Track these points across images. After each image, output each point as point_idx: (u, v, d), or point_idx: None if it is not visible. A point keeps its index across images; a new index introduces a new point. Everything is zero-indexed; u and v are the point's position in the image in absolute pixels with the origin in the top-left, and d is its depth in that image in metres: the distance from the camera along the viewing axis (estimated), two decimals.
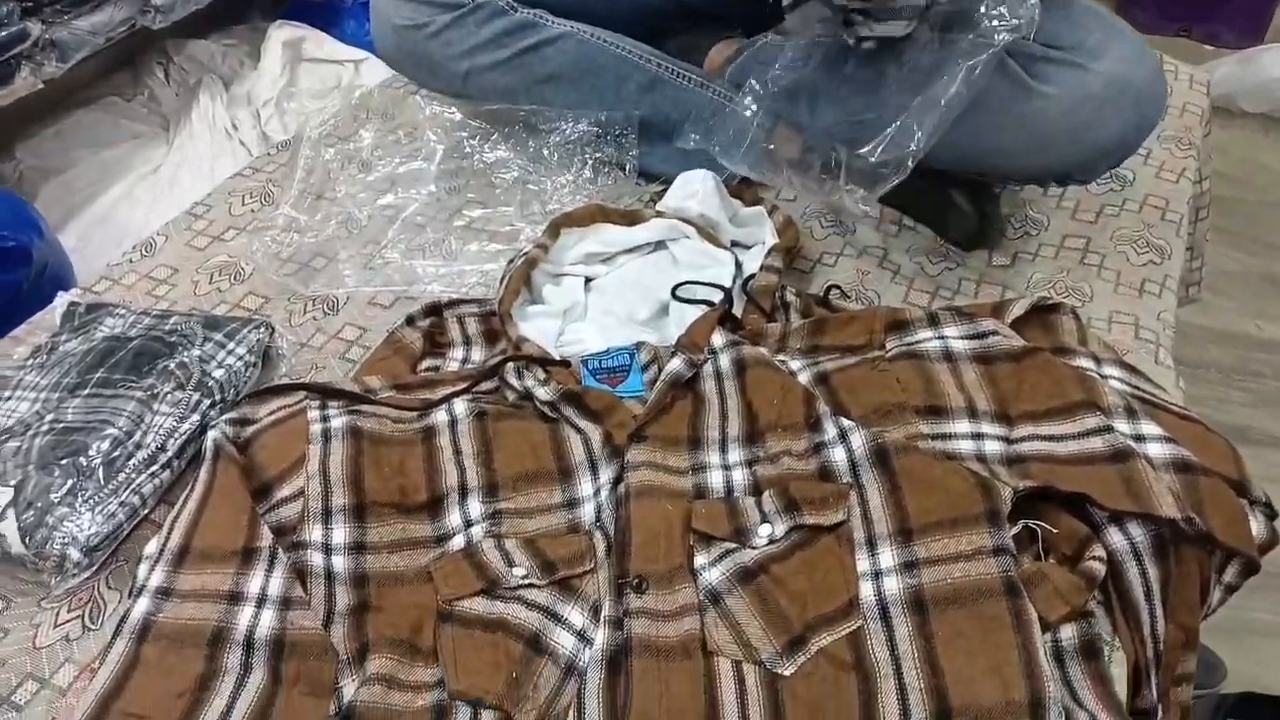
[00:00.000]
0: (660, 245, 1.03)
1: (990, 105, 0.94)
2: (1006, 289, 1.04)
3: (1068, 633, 0.69)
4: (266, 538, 0.74)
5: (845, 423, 0.78)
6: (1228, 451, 0.80)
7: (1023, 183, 1.10)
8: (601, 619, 0.70)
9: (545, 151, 1.18)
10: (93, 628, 0.77)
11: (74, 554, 0.76)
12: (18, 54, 1.71)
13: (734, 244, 1.02)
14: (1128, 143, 0.97)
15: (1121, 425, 0.77)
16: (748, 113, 0.99)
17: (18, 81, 1.73)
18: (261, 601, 0.71)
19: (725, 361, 0.84)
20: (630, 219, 1.03)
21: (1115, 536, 0.73)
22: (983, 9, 0.87)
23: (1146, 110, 0.95)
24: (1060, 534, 0.72)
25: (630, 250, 1.02)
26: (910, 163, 0.89)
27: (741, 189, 1.10)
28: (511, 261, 0.97)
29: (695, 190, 1.03)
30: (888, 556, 0.71)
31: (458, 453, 0.80)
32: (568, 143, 1.16)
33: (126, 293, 1.07)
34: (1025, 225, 1.12)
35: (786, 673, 0.66)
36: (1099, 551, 0.71)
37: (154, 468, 0.82)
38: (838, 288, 0.98)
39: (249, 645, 0.69)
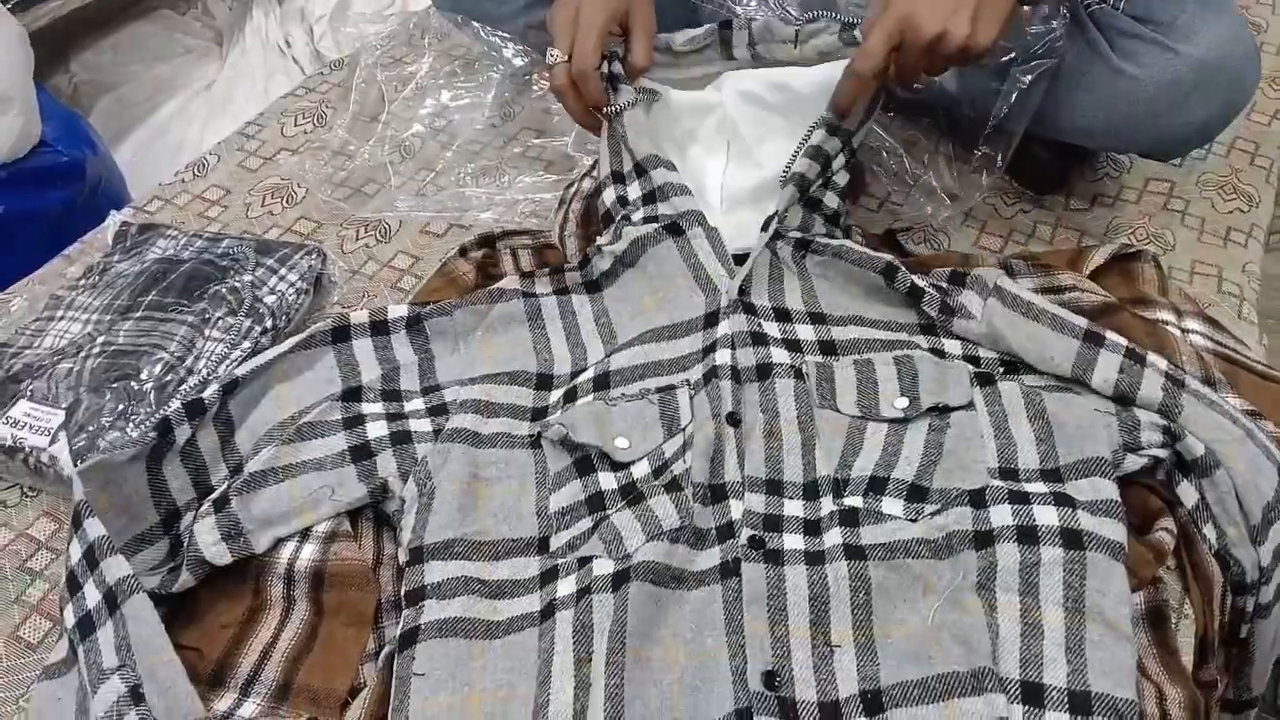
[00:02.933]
0: None
1: (1074, 82, 0.90)
2: (1084, 234, 0.99)
3: (1134, 599, 0.66)
4: None
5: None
6: None
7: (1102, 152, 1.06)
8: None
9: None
10: (29, 494, 0.79)
11: None
12: None
13: None
14: (1212, 127, 0.92)
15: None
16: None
17: None
18: (306, 535, 0.71)
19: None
20: None
21: (1189, 497, 0.70)
22: None
23: (1234, 96, 0.89)
24: (1130, 505, 0.69)
25: None
26: None
27: None
28: (570, 186, 0.95)
29: None
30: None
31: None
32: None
33: (179, 213, 1.06)
34: (1105, 167, 1.07)
35: None
36: (1168, 523, 0.68)
37: None
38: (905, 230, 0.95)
39: (289, 578, 0.69)
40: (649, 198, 0.86)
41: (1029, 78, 0.87)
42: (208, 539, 0.68)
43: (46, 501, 0.80)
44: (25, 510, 0.79)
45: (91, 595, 0.63)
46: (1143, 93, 0.88)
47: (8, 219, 1.34)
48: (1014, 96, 0.88)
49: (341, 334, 0.79)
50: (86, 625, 0.63)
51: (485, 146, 1.12)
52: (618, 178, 0.88)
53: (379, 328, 0.80)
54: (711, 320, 0.79)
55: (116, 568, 0.63)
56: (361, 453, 0.73)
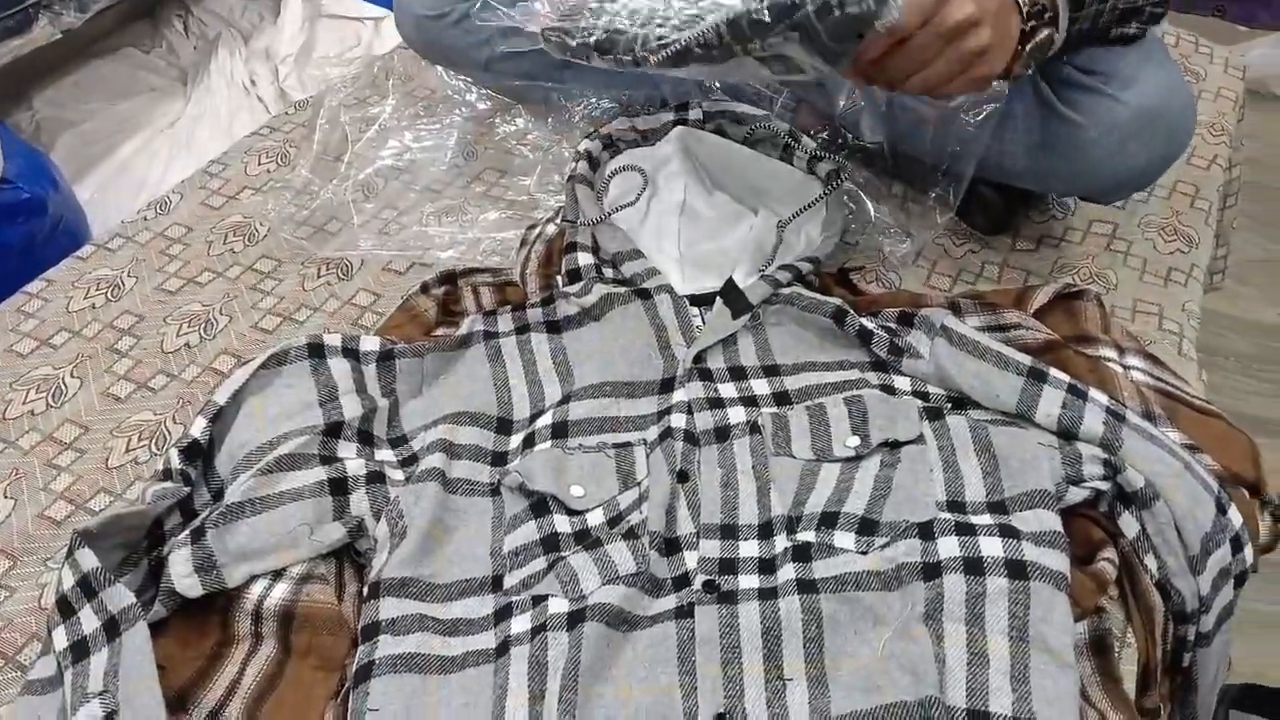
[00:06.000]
0: None
1: (1020, 127, 0.93)
2: (1030, 274, 1.02)
3: (1078, 628, 0.68)
4: None
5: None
6: (1247, 449, 0.79)
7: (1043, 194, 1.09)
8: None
9: (566, 125, 1.16)
10: None
11: None
12: (36, 3, 1.70)
13: None
14: (1150, 173, 0.95)
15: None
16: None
17: (36, 30, 1.72)
18: (279, 574, 0.71)
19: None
20: None
21: (1130, 528, 0.72)
22: None
23: (1173, 143, 0.93)
24: (1073, 536, 0.71)
25: None
26: None
27: None
28: (532, 227, 0.96)
29: None
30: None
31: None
32: (590, 119, 1.14)
33: (140, 250, 1.06)
34: (1051, 209, 1.10)
35: None
36: (1110, 554, 0.70)
37: None
38: (858, 269, 0.97)
39: (257, 615, 0.69)
40: (619, 278, 0.89)
41: (978, 118, 0.90)
42: (180, 570, 0.68)
43: (0, 539, 0.79)
44: None
45: (89, 621, 0.64)
46: (1085, 138, 0.91)
47: None
48: (961, 140, 0.91)
49: (316, 351, 0.80)
50: (80, 650, 0.64)
51: (448, 186, 1.13)
52: (585, 249, 0.91)
53: (350, 354, 0.81)
54: (668, 386, 0.81)
55: (120, 597, 0.65)
56: (338, 487, 0.74)
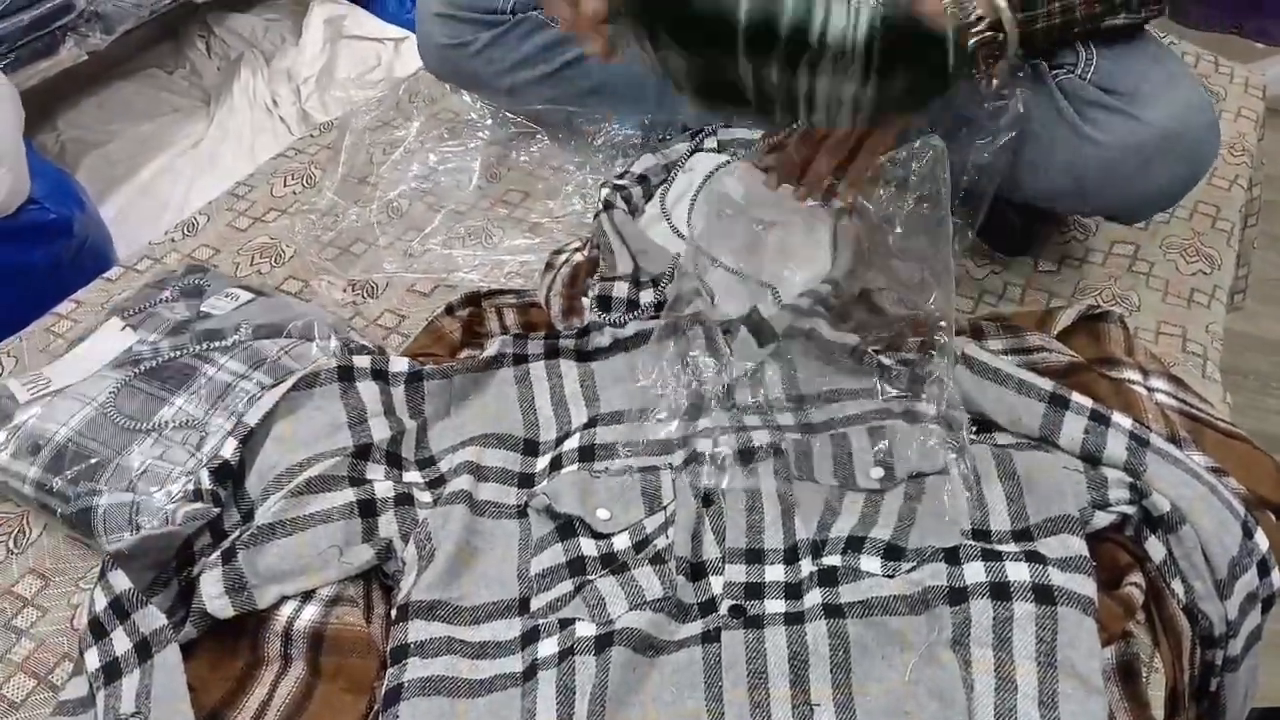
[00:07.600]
0: None
1: (1042, 147, 0.93)
2: (1052, 295, 1.02)
3: (1105, 653, 0.68)
4: None
5: None
6: (1273, 472, 0.79)
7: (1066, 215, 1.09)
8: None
9: (589, 150, 1.17)
10: (15, 551, 0.81)
11: None
12: (63, 25, 1.72)
13: None
14: (1174, 193, 0.94)
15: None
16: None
17: (62, 53, 1.74)
18: (309, 596, 0.71)
19: None
20: None
21: (1157, 553, 0.72)
22: None
23: (1196, 164, 0.93)
24: (1100, 560, 0.71)
25: None
26: None
27: None
28: (559, 252, 0.97)
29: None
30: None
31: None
32: (612, 144, 1.15)
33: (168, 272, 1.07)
34: (1073, 230, 1.10)
35: None
36: (1137, 578, 0.70)
37: None
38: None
39: (287, 636, 0.70)
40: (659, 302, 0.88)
41: (998, 141, 0.90)
42: (212, 591, 0.69)
43: (33, 559, 0.80)
44: (10, 568, 0.79)
45: (120, 643, 0.65)
46: (1107, 158, 0.91)
47: None
48: (979, 167, 0.91)
49: (346, 374, 0.81)
50: (112, 671, 0.65)
51: (471, 208, 1.14)
52: (625, 278, 0.91)
53: (379, 375, 0.82)
54: (695, 412, 0.81)
55: (152, 619, 0.66)
56: (367, 509, 0.74)
